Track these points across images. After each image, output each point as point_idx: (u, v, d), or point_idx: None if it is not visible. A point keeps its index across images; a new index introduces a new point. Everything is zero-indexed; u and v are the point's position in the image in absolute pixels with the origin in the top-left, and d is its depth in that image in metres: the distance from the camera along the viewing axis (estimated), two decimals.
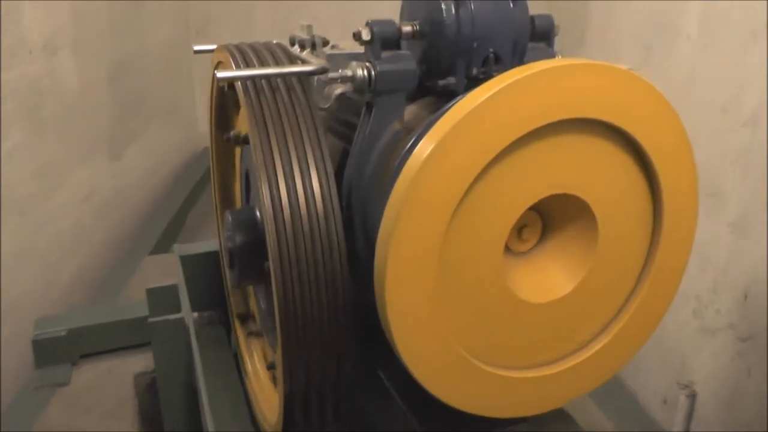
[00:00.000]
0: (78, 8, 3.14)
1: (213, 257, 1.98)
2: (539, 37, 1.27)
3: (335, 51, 1.48)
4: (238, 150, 1.70)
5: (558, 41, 1.30)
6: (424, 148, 0.96)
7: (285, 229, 1.16)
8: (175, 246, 2.12)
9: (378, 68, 1.16)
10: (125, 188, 3.71)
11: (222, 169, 1.79)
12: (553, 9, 3.80)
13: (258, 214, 1.41)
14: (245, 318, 1.85)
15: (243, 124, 1.44)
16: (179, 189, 4.16)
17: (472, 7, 1.18)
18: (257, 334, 1.77)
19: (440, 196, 0.98)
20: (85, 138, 3.25)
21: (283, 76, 1.26)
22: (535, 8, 1.27)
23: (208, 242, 2.10)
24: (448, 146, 0.96)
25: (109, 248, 3.45)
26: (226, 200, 1.82)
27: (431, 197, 0.97)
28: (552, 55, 1.27)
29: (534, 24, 1.25)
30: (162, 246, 3.46)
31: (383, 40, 1.18)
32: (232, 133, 1.55)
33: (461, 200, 0.99)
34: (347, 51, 1.46)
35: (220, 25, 4.77)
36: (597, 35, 3.38)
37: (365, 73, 1.17)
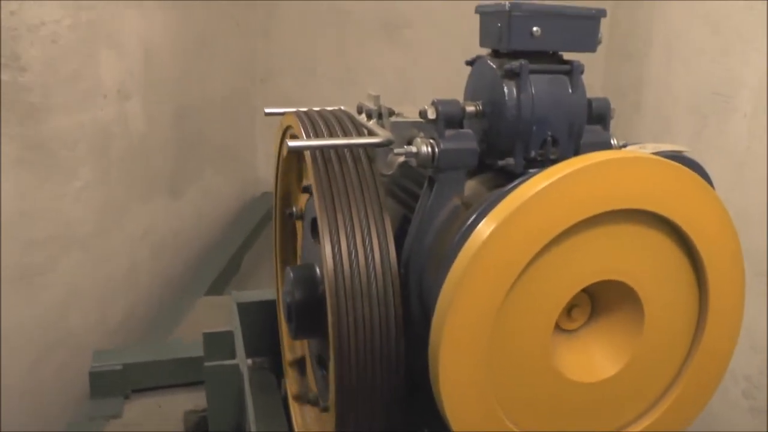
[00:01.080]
0: (150, 55, 3.29)
1: (268, 306, 2.04)
2: (596, 120, 1.32)
3: (399, 119, 1.55)
4: (303, 199, 1.76)
5: (614, 105, 1.35)
6: (485, 228, 1.03)
7: (345, 290, 1.22)
8: (233, 293, 2.19)
9: (441, 146, 1.22)
10: (182, 229, 3.82)
11: (284, 219, 1.85)
12: (610, 72, 3.86)
13: (318, 272, 1.48)
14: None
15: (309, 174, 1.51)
16: (236, 233, 4.24)
17: (533, 91, 1.24)
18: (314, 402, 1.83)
19: (497, 274, 1.03)
20: (146, 179, 3.37)
21: (350, 147, 1.33)
22: (591, 67, 1.33)
23: (264, 291, 2.17)
24: (508, 228, 1.02)
25: (163, 287, 3.55)
26: (287, 252, 1.89)
27: (489, 275, 1.03)
28: (607, 139, 1.32)
29: (591, 107, 1.31)
30: (216, 288, 3.54)
31: (447, 119, 1.25)
32: (305, 184, 1.62)
33: (517, 279, 1.05)
34: (411, 119, 1.53)
35: (284, 74, 4.89)
36: (653, 101, 3.42)
37: (429, 150, 1.23)
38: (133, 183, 3.22)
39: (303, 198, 1.68)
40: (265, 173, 4.93)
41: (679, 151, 1.38)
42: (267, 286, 2.36)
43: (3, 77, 2.27)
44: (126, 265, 3.20)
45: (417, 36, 4.80)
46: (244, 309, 2.07)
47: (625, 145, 1.38)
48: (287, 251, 1.89)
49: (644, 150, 1.38)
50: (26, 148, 2.40)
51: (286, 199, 1.80)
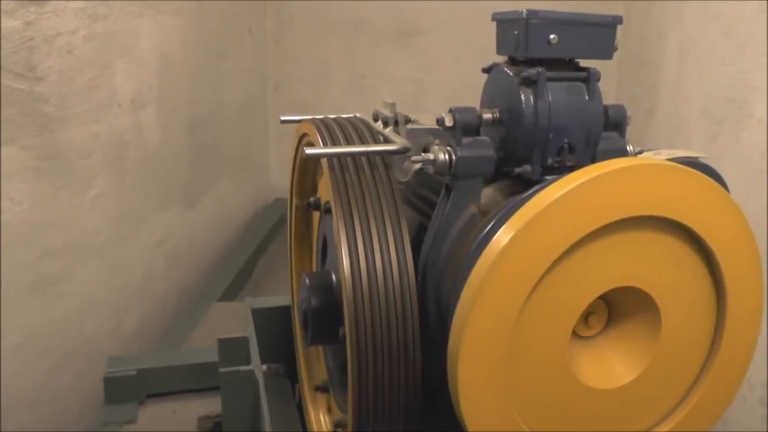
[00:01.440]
0: (165, 66, 3.31)
1: (282, 312, 2.05)
2: (612, 127, 1.32)
3: (415, 126, 1.56)
4: (316, 213, 1.78)
5: (628, 112, 1.35)
6: (503, 236, 1.03)
7: (362, 297, 1.23)
8: (248, 299, 2.20)
9: (459, 154, 1.23)
10: (197, 237, 3.83)
11: (299, 229, 1.87)
12: (624, 79, 3.85)
13: (334, 278, 1.48)
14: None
15: (324, 190, 1.52)
16: (249, 239, 4.26)
17: (550, 98, 1.25)
18: (323, 390, 1.83)
19: (516, 282, 1.04)
20: (161, 188, 3.38)
21: (367, 154, 1.34)
22: (605, 74, 1.33)
23: (278, 297, 2.18)
24: (526, 236, 1.02)
25: (178, 294, 3.57)
26: (301, 259, 1.90)
27: (507, 283, 1.04)
28: (623, 146, 1.32)
29: (607, 114, 1.31)
30: (229, 294, 3.55)
31: (464, 126, 1.25)
32: (312, 199, 1.63)
33: (535, 286, 1.05)
34: (426, 126, 1.54)
35: (297, 81, 4.91)
36: (667, 107, 3.42)
37: (446, 157, 1.23)
38: (148, 192, 3.24)
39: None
40: (278, 180, 4.94)
41: (695, 158, 1.38)
42: (280, 291, 2.38)
43: (19, 87, 2.29)
44: (141, 273, 3.22)
45: (430, 43, 4.82)
46: (259, 315, 2.08)
47: (640, 152, 1.38)
48: (302, 257, 1.90)
49: (659, 156, 1.38)
50: (41, 158, 2.42)
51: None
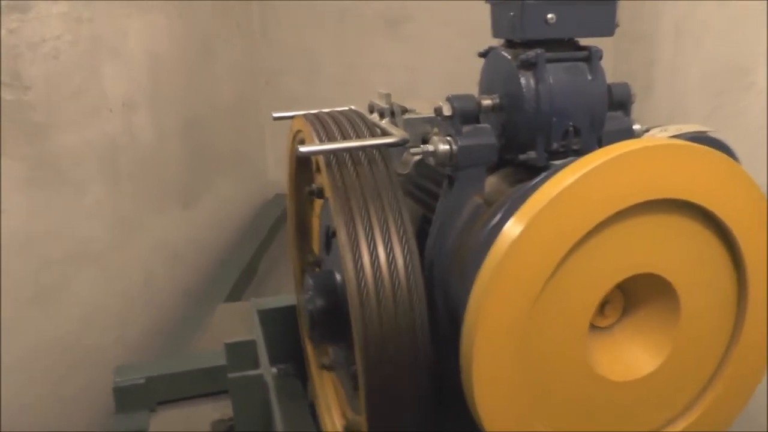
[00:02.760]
0: (155, 66, 3.26)
1: (289, 311, 2.02)
2: (617, 106, 1.28)
3: (411, 116, 1.52)
4: (316, 204, 1.73)
5: None
6: (514, 227, 0.99)
7: (368, 300, 1.18)
8: (253, 300, 2.17)
9: (459, 143, 1.18)
10: (197, 238, 3.79)
11: (299, 224, 1.83)
12: (620, 56, 3.78)
13: (338, 278, 1.44)
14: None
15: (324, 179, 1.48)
16: (250, 237, 4.21)
17: (551, 81, 1.20)
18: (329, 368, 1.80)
19: (528, 274, 1.00)
20: (158, 190, 3.34)
21: (364, 148, 1.29)
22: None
23: (283, 296, 2.15)
24: (538, 226, 0.98)
25: (182, 297, 3.53)
26: (304, 255, 1.86)
27: (519, 276, 1.00)
28: (629, 125, 1.28)
29: (611, 93, 1.27)
30: (235, 294, 3.51)
31: (463, 115, 1.21)
32: (314, 186, 1.58)
33: (549, 278, 1.01)
34: (423, 115, 1.50)
35: (289, 75, 4.87)
36: (665, 82, 3.37)
37: (447, 147, 1.19)
38: (145, 195, 3.20)
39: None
40: (275, 175, 4.89)
41: (703, 132, 1.33)
42: (285, 288, 2.34)
43: (7, 97, 2.25)
44: (142, 278, 3.18)
45: (419, 29, 4.76)
46: (265, 316, 2.05)
47: (647, 130, 1.34)
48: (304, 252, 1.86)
49: (666, 132, 1.34)
50: (35, 168, 2.38)
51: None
